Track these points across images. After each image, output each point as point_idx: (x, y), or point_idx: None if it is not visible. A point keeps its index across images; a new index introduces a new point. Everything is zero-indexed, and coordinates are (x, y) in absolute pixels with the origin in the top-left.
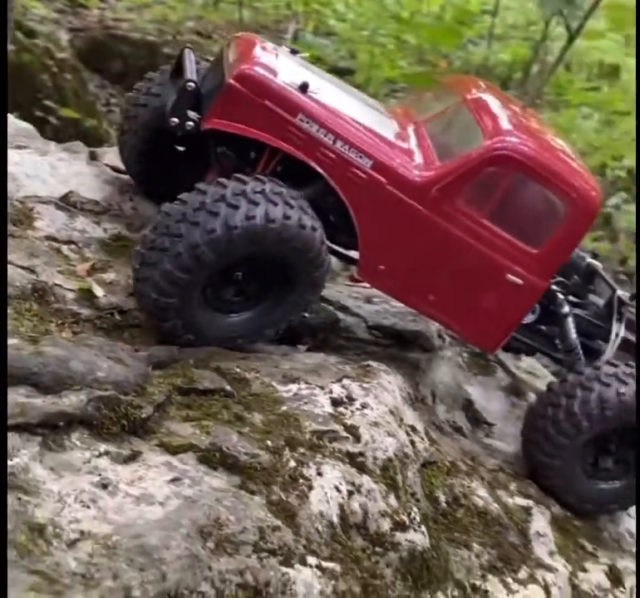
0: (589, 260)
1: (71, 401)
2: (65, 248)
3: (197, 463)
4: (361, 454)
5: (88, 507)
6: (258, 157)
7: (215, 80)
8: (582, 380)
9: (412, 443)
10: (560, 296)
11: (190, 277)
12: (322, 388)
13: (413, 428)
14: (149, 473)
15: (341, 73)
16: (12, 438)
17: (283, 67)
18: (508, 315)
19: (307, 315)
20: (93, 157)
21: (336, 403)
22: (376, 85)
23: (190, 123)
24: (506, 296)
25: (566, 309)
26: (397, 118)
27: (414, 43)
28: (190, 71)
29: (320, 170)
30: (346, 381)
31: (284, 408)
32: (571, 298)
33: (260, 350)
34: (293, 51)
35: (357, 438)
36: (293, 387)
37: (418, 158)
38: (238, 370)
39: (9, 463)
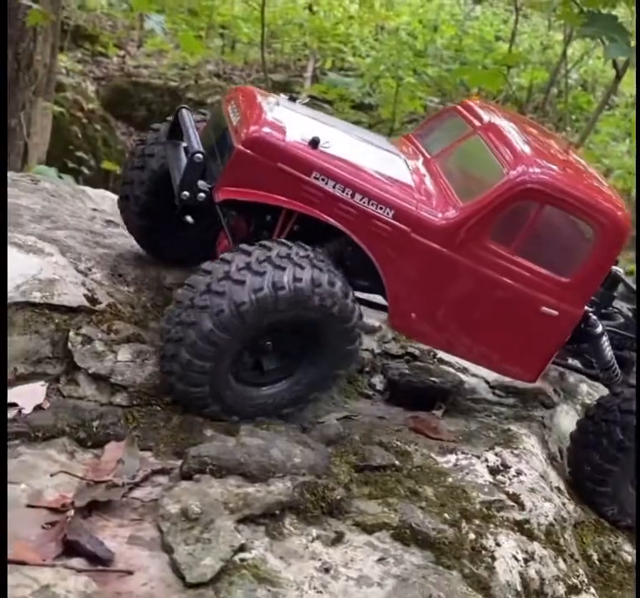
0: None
1: (280, 489)
2: None
3: (393, 541)
4: (527, 521)
5: (321, 592)
6: (274, 219)
7: (217, 140)
8: (620, 404)
9: (563, 504)
10: (593, 316)
11: (229, 338)
12: (477, 457)
13: (559, 490)
14: (357, 554)
15: (365, 109)
16: (244, 531)
17: (289, 121)
18: (546, 346)
19: (433, 379)
20: None
21: (493, 471)
22: (400, 118)
23: (202, 195)
24: (543, 329)
25: (599, 329)
26: (407, 155)
27: (432, 75)
28: (195, 140)
29: (341, 227)
30: (497, 449)
31: (450, 480)
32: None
33: (397, 417)
34: (292, 99)
35: (522, 506)
36: (451, 458)
37: (438, 199)
38: (398, 443)
39: (248, 555)
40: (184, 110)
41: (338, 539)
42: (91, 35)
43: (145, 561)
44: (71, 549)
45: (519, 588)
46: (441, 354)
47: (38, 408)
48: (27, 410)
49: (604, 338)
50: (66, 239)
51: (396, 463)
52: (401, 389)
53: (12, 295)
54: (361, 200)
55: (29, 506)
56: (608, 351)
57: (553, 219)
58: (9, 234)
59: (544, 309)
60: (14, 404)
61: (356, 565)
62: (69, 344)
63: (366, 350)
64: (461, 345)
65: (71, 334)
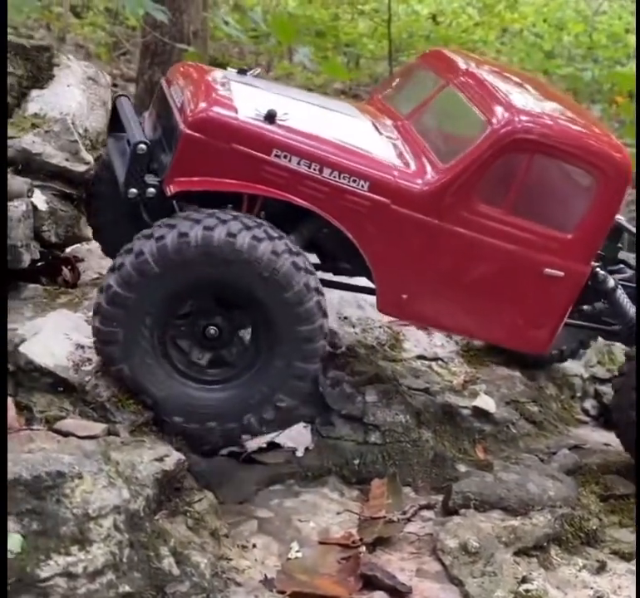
0: None
1: (542, 522)
2: (434, 365)
3: None
4: None
5: None
6: (236, 207)
7: (164, 126)
8: None
9: None
10: (600, 271)
11: (134, 296)
12: None
13: None
14: (622, 582)
15: None
16: (521, 563)
17: (240, 96)
18: (553, 312)
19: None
20: None
21: None
22: None
23: (151, 190)
24: (549, 293)
25: (611, 283)
26: (376, 119)
27: (564, 74)
28: (136, 129)
29: (312, 207)
30: None
31: None
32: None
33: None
34: (242, 71)
35: None
36: None
37: (417, 164)
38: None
39: (530, 587)
40: (122, 98)
41: (602, 567)
42: (220, 63)
43: (439, 594)
44: (369, 583)
45: None
46: None
47: (305, 449)
48: (300, 453)
49: (619, 291)
50: None
51: None
52: None
53: None
54: (330, 175)
55: (321, 542)
56: (629, 306)
57: (546, 170)
58: None
59: (548, 270)
60: (279, 445)
61: (625, 592)
62: (320, 387)
63: (575, 375)
64: (460, 322)
65: (320, 378)
